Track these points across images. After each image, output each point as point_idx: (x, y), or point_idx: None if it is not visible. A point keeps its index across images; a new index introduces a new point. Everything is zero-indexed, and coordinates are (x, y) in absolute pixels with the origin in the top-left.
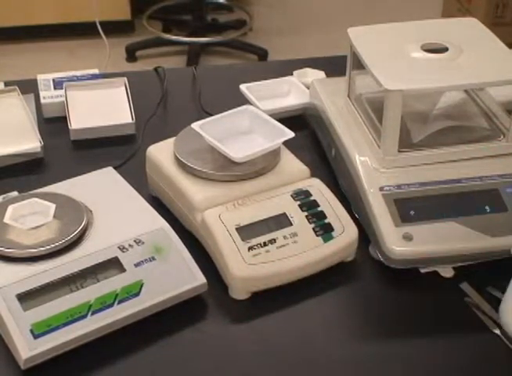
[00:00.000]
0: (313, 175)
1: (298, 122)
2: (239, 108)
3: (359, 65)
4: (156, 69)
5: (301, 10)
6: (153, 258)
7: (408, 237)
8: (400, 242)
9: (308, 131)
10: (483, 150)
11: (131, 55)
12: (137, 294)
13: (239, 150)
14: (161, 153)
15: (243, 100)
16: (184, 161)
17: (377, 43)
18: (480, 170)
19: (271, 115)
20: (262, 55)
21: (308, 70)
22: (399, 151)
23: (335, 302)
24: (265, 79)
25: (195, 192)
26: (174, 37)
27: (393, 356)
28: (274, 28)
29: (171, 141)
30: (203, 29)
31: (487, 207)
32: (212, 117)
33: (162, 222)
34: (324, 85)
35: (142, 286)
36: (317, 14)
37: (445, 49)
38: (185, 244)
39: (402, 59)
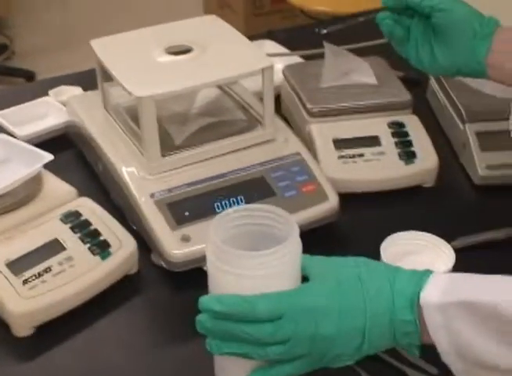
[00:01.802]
0: (84, 193)
1: (63, 142)
2: None
3: (111, 76)
4: None
5: (62, 26)
6: None
7: (186, 239)
8: (179, 244)
9: (73, 151)
10: (243, 142)
11: None
12: None
13: None
14: None
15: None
16: None
17: (122, 52)
18: (243, 161)
19: (31, 139)
20: (29, 77)
21: (64, 87)
22: (163, 156)
23: (127, 318)
24: (24, 103)
25: None
26: None
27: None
28: (37, 49)
29: None
30: None
31: (257, 195)
32: None
33: None
34: (81, 101)
35: None
36: (78, 28)
37: (190, 50)
38: None
39: (149, 64)
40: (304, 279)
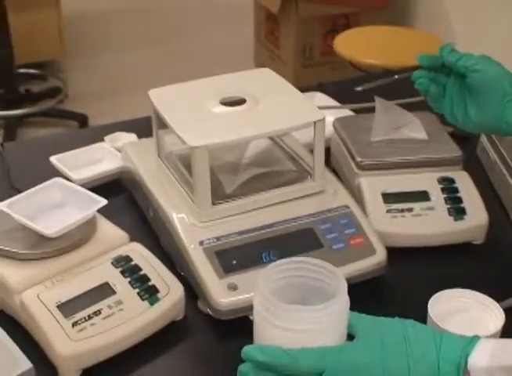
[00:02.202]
0: (135, 238)
1: (115, 187)
2: (48, 182)
3: (165, 124)
4: None
5: (116, 72)
6: None
7: (233, 287)
8: (225, 293)
9: (126, 195)
10: (293, 192)
11: None
12: None
13: (52, 225)
14: None
15: (56, 172)
16: None
17: (178, 102)
18: (293, 211)
19: (85, 184)
20: (82, 120)
21: (120, 133)
22: (214, 204)
23: (172, 364)
24: (79, 147)
25: (9, 274)
26: None
27: None
28: (91, 93)
29: None
30: (17, 101)
31: (305, 247)
32: (20, 195)
33: None
34: (135, 148)
35: None
36: (132, 75)
37: (243, 101)
38: (7, 329)
39: (203, 115)
40: (350, 337)
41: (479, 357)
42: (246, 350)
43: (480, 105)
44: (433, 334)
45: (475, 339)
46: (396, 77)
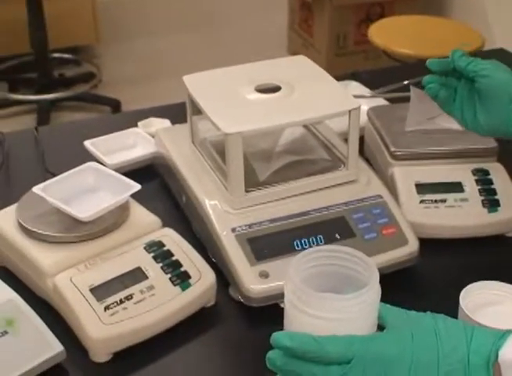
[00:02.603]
0: (167, 224)
1: (148, 173)
2: (82, 166)
3: (200, 110)
4: None
5: (149, 58)
6: (6, 332)
7: (264, 275)
8: (257, 280)
9: (158, 181)
10: (326, 181)
11: None
12: None
13: (86, 209)
14: (4, 221)
15: (90, 157)
16: (28, 227)
17: (213, 88)
18: (325, 200)
19: (119, 168)
20: (115, 106)
21: (153, 119)
22: (247, 191)
23: (201, 350)
24: (112, 132)
25: (43, 257)
26: (21, 97)
27: None
28: (124, 78)
29: (13, 208)
30: (50, 85)
31: (337, 235)
32: (55, 178)
33: (10, 293)
34: (168, 133)
35: None
36: (166, 60)
37: (278, 88)
38: (39, 312)
39: (238, 101)
40: (380, 328)
41: (510, 350)
42: (276, 336)
43: (488, 110)
44: (464, 329)
45: (507, 334)
46: (405, 82)
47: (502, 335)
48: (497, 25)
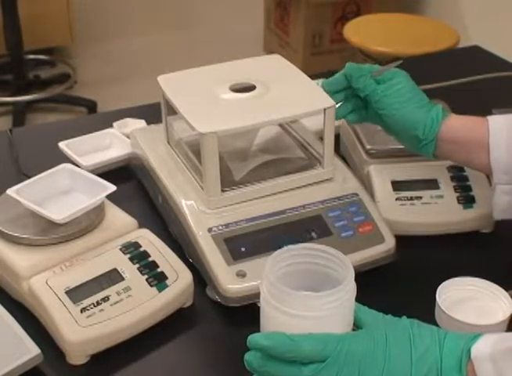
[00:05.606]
0: (143, 224)
1: (124, 173)
2: (57, 167)
3: (175, 110)
4: None
5: (125, 58)
6: None
7: (242, 274)
8: (234, 280)
9: (134, 182)
10: (302, 180)
11: None
12: None
13: (61, 211)
14: None
15: (64, 158)
16: (3, 230)
17: (187, 88)
18: (302, 199)
19: (94, 170)
20: (91, 107)
21: (129, 120)
22: (223, 191)
23: (179, 351)
24: (88, 133)
25: (18, 260)
26: None
27: None
28: (100, 79)
29: None
30: (26, 87)
31: (314, 234)
32: (29, 180)
33: None
34: (144, 134)
35: None
36: (141, 61)
37: (253, 87)
38: (15, 315)
39: (213, 101)
40: (355, 330)
41: (482, 345)
42: (251, 338)
43: (398, 139)
44: (437, 332)
45: (478, 336)
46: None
47: (474, 337)
48: (472, 22)
